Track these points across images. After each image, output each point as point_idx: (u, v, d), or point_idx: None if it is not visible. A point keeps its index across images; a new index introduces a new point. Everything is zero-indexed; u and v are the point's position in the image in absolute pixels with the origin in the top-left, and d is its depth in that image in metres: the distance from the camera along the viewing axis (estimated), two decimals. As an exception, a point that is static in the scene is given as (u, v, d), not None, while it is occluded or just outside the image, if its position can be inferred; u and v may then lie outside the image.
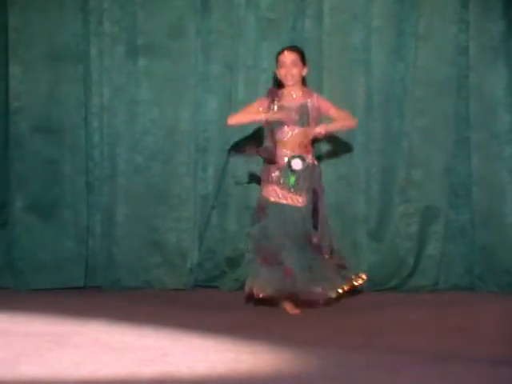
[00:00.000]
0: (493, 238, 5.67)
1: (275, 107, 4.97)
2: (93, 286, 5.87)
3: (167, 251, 5.86)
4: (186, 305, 5.28)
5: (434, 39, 5.68)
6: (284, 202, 4.97)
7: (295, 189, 4.98)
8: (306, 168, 5.00)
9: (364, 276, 5.08)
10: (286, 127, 4.98)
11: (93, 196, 5.92)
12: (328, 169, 5.72)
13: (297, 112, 5.01)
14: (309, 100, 5.06)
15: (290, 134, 5.00)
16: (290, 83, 5.03)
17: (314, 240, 4.96)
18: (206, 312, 4.98)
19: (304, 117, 5.03)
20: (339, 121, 5.07)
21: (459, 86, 5.71)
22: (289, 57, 5.03)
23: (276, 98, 5.00)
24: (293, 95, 5.05)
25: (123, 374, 3.53)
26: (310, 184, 5.01)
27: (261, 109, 5.00)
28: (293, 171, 4.98)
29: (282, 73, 5.04)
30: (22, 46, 5.83)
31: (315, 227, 4.99)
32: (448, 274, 5.75)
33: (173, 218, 5.85)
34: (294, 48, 5.12)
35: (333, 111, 5.07)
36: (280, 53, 5.08)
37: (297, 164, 4.98)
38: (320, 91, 5.68)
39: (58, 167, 5.88)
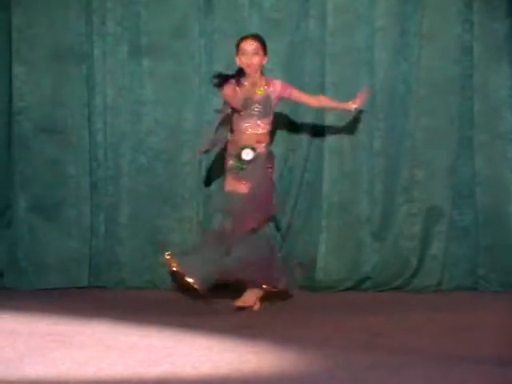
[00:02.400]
0: (496, 238, 5.67)
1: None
2: (96, 286, 5.87)
3: (171, 251, 5.84)
4: (189, 305, 5.28)
5: (437, 39, 5.67)
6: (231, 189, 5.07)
7: (242, 175, 5.04)
8: (256, 158, 5.05)
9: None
10: (244, 117, 5.02)
11: (96, 196, 5.92)
12: (332, 168, 5.73)
13: (260, 103, 5.04)
14: (271, 89, 5.08)
15: (248, 124, 5.04)
16: (249, 71, 5.01)
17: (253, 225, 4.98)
18: (210, 312, 4.98)
19: (267, 108, 5.06)
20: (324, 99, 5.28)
21: (463, 85, 5.71)
22: (250, 45, 5.00)
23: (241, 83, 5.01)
24: (256, 86, 5.04)
25: (127, 374, 3.53)
26: (258, 173, 5.05)
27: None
28: (243, 161, 5.04)
29: (242, 61, 5.01)
30: (26, 46, 5.83)
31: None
32: (452, 274, 5.74)
33: (176, 218, 5.85)
34: (256, 36, 5.08)
35: (296, 93, 5.13)
36: (242, 40, 5.05)
37: (247, 154, 5.04)
38: (323, 91, 5.69)
39: (62, 167, 5.89)
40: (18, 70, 5.84)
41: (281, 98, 5.15)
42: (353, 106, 5.20)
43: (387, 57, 5.74)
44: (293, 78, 5.74)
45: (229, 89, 5.00)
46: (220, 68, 5.76)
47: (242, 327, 4.52)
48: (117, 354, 3.88)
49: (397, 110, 5.75)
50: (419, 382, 3.44)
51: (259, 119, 5.06)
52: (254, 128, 5.06)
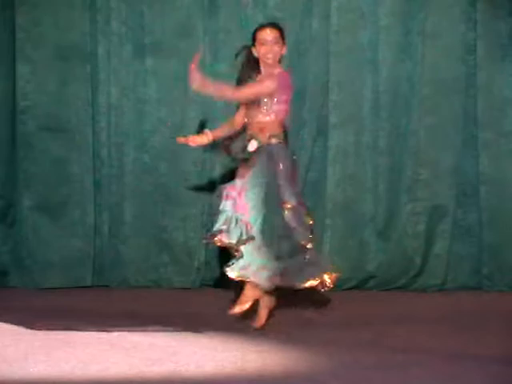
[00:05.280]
0: (501, 237, 5.66)
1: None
2: (100, 285, 5.88)
3: (175, 250, 5.86)
4: (194, 304, 5.29)
5: (441, 38, 5.67)
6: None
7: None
8: (261, 149, 4.58)
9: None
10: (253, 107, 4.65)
11: (100, 195, 5.92)
12: (336, 168, 5.72)
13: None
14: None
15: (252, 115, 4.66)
16: (270, 62, 4.64)
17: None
18: (213, 311, 4.98)
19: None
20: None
21: (467, 84, 5.70)
22: (270, 34, 4.63)
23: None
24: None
25: (131, 373, 3.53)
26: (266, 164, 4.58)
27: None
28: (249, 153, 4.63)
29: (262, 51, 4.63)
30: (30, 46, 5.84)
31: None
32: (456, 273, 5.74)
33: (180, 217, 5.85)
34: (275, 25, 4.71)
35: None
36: (260, 29, 4.67)
37: (252, 146, 4.63)
38: (327, 89, 5.69)
39: (66, 166, 5.89)
40: (22, 69, 5.84)
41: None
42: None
43: (391, 55, 5.74)
44: (297, 76, 5.73)
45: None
46: (224, 66, 5.80)
47: (246, 326, 4.52)
48: (121, 353, 3.88)
49: (401, 108, 5.75)
50: (423, 382, 3.44)
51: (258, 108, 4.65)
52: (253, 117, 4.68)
